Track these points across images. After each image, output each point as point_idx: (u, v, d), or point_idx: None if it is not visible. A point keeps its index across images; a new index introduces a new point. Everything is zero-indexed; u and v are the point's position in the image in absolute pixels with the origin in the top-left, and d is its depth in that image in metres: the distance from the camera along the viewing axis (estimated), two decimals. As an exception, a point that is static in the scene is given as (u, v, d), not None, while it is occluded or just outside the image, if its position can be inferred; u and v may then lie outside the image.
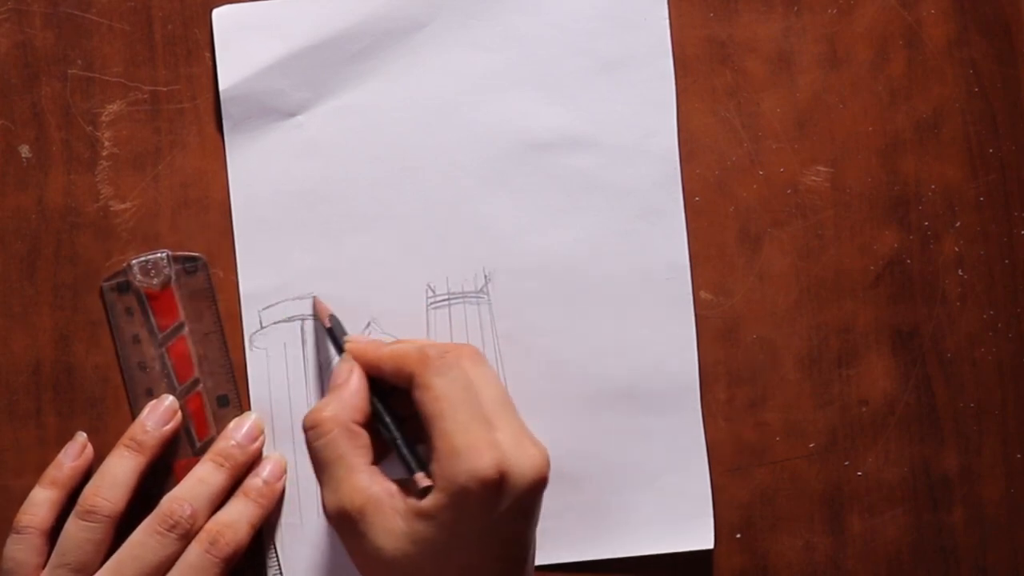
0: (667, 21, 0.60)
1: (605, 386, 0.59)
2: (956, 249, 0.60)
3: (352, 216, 0.59)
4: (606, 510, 0.59)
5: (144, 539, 0.55)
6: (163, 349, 0.59)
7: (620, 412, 0.59)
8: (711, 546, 0.59)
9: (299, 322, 0.59)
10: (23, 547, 0.56)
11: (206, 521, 0.56)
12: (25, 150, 0.59)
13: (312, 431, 0.53)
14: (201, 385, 0.59)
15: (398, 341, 0.56)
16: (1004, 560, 0.60)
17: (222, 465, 0.57)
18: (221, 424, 0.59)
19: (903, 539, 0.60)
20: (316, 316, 0.59)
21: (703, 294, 0.60)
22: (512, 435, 0.52)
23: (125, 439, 0.57)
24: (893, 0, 0.60)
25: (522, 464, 0.51)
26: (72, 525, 0.56)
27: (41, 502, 0.57)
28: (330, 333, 0.58)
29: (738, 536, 0.60)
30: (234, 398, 0.59)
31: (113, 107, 0.59)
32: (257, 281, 0.59)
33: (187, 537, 0.56)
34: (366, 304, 0.59)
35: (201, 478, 0.57)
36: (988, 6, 0.60)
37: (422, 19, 0.59)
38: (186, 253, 0.59)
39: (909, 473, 0.60)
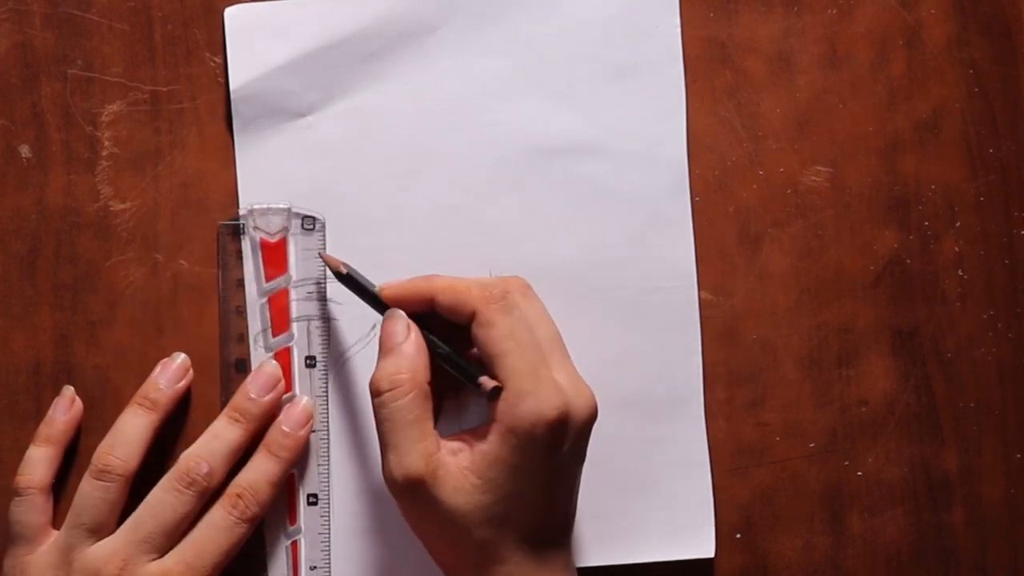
0: (679, 29, 0.59)
1: (609, 392, 0.58)
2: (956, 249, 0.60)
3: (360, 217, 0.59)
4: (607, 517, 0.59)
5: (162, 496, 0.55)
6: (265, 299, 0.59)
7: (623, 419, 0.59)
8: (711, 555, 0.59)
9: (305, 323, 0.59)
10: (26, 508, 0.56)
11: (223, 477, 0.56)
12: (25, 150, 0.59)
13: (391, 392, 0.53)
14: (294, 341, 0.59)
15: (433, 277, 0.55)
16: (1004, 560, 0.60)
17: (237, 420, 0.57)
18: (303, 384, 0.58)
19: (903, 539, 0.60)
20: (330, 269, 0.57)
21: (703, 294, 0.60)
22: (567, 375, 0.54)
23: (138, 397, 0.57)
24: (893, 0, 0.60)
25: (579, 404, 0.53)
26: (86, 485, 0.56)
27: (38, 460, 0.57)
28: (350, 282, 0.56)
29: (738, 536, 0.60)
30: (322, 362, 0.59)
31: (113, 107, 0.59)
32: (259, 281, 0.59)
33: (205, 494, 0.56)
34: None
35: (216, 434, 0.57)
36: (988, 6, 0.60)
37: (434, 22, 0.59)
38: (308, 212, 0.59)
39: (909, 473, 0.60)
